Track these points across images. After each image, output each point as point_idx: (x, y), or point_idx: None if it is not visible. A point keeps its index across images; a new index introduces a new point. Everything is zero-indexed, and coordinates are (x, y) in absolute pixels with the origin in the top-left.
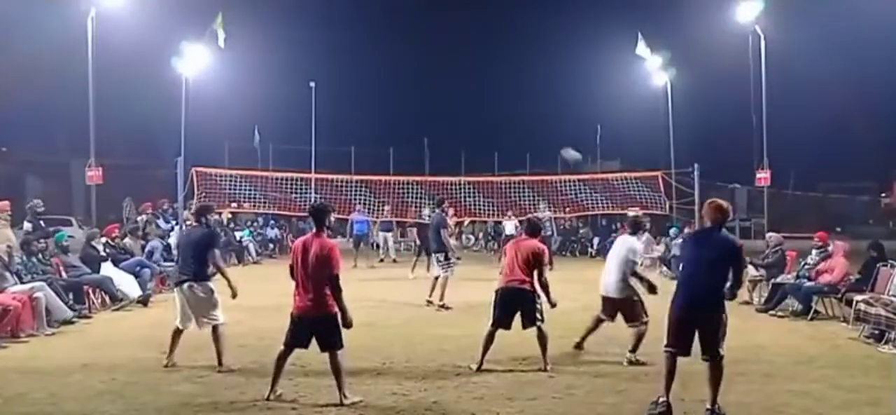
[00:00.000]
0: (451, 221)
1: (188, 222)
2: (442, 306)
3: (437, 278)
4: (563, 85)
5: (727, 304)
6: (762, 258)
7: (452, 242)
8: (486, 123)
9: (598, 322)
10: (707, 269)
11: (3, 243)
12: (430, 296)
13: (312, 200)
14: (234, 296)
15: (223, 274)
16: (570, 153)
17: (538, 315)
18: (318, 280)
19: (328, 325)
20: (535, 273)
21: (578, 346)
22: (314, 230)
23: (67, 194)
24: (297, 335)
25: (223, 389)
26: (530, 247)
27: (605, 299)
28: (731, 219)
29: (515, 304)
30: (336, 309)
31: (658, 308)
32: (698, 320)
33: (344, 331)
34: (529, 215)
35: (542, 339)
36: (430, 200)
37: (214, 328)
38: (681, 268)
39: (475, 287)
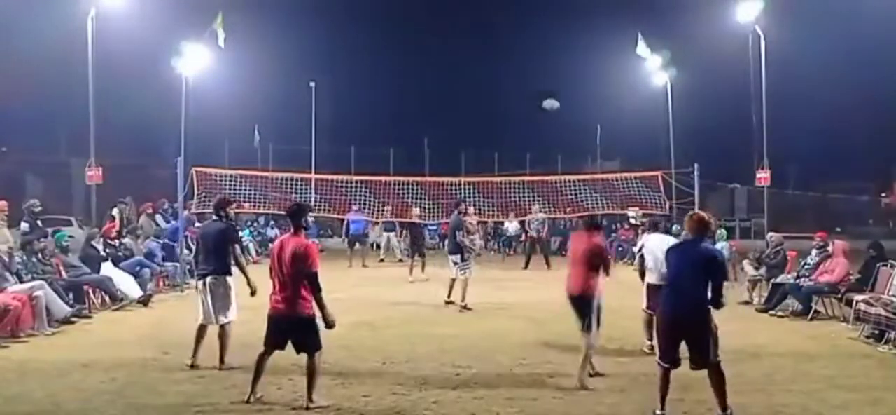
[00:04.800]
0: (473, 220)
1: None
2: (464, 307)
3: (454, 280)
4: (563, 85)
5: (724, 308)
6: (763, 258)
7: (477, 240)
8: (487, 124)
9: None
10: (689, 280)
11: (2, 244)
12: (450, 296)
13: (312, 199)
14: (252, 293)
15: (243, 270)
16: (550, 103)
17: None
18: (295, 280)
19: (303, 326)
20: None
21: None
22: (292, 230)
23: (67, 194)
24: (274, 336)
25: (223, 389)
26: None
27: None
28: (730, 219)
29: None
30: (313, 311)
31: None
32: (684, 330)
33: (334, 331)
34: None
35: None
36: (431, 201)
37: (222, 327)
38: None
39: (476, 288)
